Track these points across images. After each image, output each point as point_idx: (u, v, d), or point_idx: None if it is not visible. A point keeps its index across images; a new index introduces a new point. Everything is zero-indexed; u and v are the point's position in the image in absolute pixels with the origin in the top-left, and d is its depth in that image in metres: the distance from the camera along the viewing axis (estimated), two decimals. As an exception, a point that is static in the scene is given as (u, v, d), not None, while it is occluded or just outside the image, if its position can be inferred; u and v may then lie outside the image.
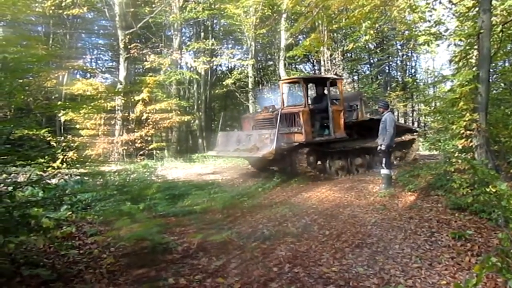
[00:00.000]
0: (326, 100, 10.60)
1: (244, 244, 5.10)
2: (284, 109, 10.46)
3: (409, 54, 28.27)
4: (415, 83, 25.41)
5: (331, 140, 10.52)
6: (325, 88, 10.99)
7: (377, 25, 12.39)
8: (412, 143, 12.82)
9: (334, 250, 4.92)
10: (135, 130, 17.25)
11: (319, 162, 10.56)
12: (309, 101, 11.08)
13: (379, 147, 8.31)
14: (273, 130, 9.46)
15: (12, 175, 4.44)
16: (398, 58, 29.26)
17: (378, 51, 26.18)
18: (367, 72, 28.86)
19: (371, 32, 11.27)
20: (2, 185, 4.12)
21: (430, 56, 25.92)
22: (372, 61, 28.44)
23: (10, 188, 4.12)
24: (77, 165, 5.00)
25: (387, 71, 29.02)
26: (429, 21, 9.80)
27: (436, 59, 31.25)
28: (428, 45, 9.84)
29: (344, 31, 22.38)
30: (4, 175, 4.21)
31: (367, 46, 24.35)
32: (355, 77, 28.98)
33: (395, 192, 7.92)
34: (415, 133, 13.42)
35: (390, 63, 29.02)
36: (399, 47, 27.67)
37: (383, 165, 8.22)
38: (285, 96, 11.61)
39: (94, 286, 3.84)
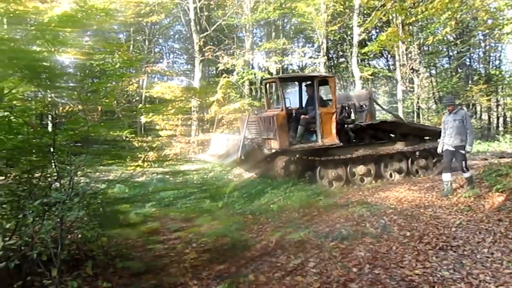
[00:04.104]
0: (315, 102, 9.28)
1: (321, 243, 5.06)
2: (265, 112, 9.61)
3: (493, 45, 26.32)
4: (500, 75, 23.65)
5: (317, 148, 9.17)
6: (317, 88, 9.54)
7: (457, 15, 11.72)
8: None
9: (416, 252, 4.74)
10: (210, 130, 17.80)
11: (308, 171, 9.38)
12: (303, 103, 10.18)
13: (445, 148, 7.67)
14: (240, 136, 8.60)
15: (104, 173, 4.82)
16: (481, 49, 27.28)
17: (458, 43, 24.62)
18: (446, 66, 27.34)
19: (451, 23, 10.69)
20: (94, 182, 4.47)
21: (518, 46, 24.08)
22: (451, 53, 26.85)
23: (103, 186, 4.47)
24: (162, 164, 5.30)
25: (468, 63, 27.26)
26: (517, 8, 9.10)
27: (525, 48, 28.94)
28: (517, 34, 9.14)
29: (420, 23, 21.40)
30: (97, 173, 4.58)
31: (445, 38, 23.03)
32: (433, 71, 27.58)
33: (481, 193, 7.43)
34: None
35: (472, 55, 27.19)
36: (481, 37, 25.84)
37: (464, 168, 7.66)
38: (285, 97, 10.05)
39: (180, 279, 4.03)
